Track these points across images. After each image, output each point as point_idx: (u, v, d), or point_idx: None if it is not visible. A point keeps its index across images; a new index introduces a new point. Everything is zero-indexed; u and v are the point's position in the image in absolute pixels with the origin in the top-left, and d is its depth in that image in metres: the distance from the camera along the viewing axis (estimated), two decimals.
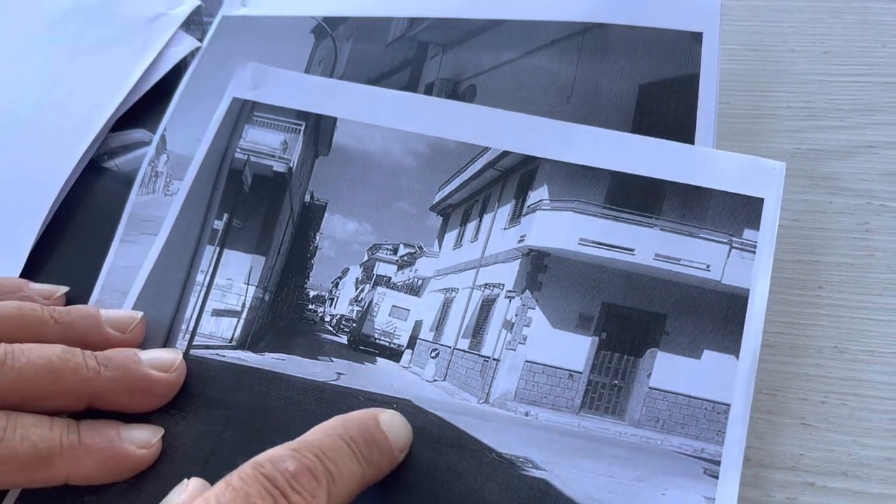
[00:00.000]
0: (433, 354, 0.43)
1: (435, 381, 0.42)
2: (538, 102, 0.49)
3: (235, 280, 0.45)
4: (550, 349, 0.41)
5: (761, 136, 0.51)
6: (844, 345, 0.44)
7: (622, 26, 0.49)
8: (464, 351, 0.43)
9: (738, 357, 0.39)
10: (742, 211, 0.42)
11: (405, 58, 0.53)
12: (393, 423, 0.37)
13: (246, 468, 0.31)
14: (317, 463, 0.32)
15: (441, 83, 0.51)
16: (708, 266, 0.41)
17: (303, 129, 0.48)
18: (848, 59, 0.54)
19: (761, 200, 0.42)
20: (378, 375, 0.42)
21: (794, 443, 0.41)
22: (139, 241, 0.47)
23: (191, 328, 0.44)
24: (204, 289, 0.45)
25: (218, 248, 0.46)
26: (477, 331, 0.43)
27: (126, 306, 0.44)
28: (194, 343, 0.43)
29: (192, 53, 0.55)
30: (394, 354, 0.44)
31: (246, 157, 0.48)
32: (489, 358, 0.42)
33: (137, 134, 0.52)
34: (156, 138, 0.51)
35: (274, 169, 0.48)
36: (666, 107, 0.47)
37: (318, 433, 0.35)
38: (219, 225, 0.46)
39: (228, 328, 0.44)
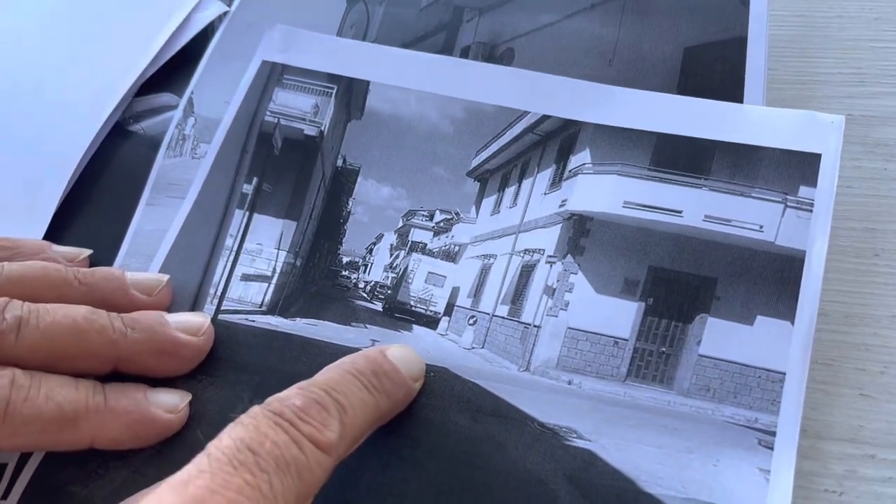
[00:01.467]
0: (471, 321, 0.42)
1: (473, 348, 0.41)
2: (579, 66, 0.47)
3: (266, 245, 0.44)
4: (594, 315, 0.39)
5: (811, 103, 0.49)
6: None
7: None
8: (503, 318, 0.41)
9: (793, 323, 0.37)
10: (797, 168, 0.40)
11: (440, 21, 0.51)
12: (402, 355, 0.36)
13: (254, 408, 0.30)
14: (324, 396, 0.31)
15: (477, 47, 0.50)
16: (761, 227, 0.39)
17: (334, 92, 0.47)
18: None
19: (818, 156, 0.40)
20: (414, 343, 0.41)
21: (852, 414, 0.39)
22: (165, 205, 0.46)
23: (219, 293, 0.42)
24: (233, 253, 0.43)
25: (247, 213, 0.44)
26: (516, 297, 0.41)
27: (152, 270, 0.42)
28: (223, 308, 0.42)
29: (220, 18, 0.53)
30: (430, 321, 0.42)
31: (276, 121, 0.46)
32: (529, 325, 0.40)
33: (164, 98, 0.51)
34: (183, 101, 0.49)
35: (305, 132, 0.47)
36: (711, 70, 0.45)
37: (325, 372, 0.34)
38: (248, 189, 0.45)
39: (258, 293, 0.43)
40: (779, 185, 0.39)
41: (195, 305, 0.42)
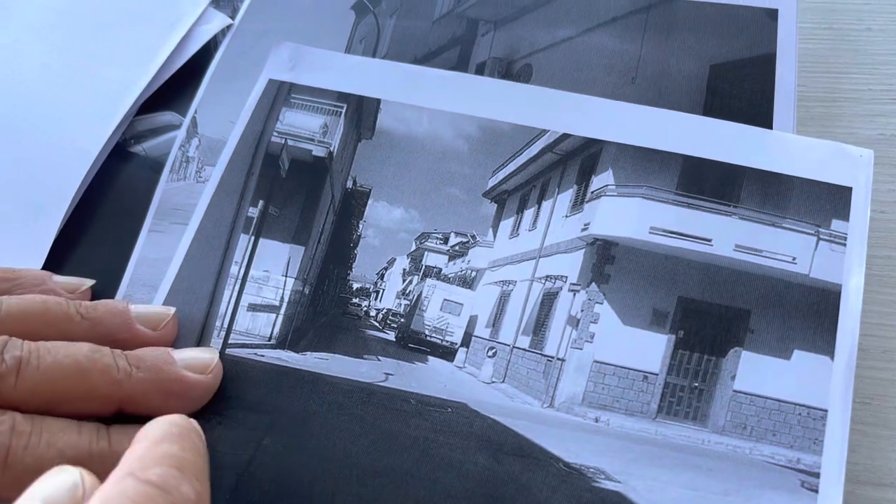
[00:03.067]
0: (490, 353, 0.40)
1: (493, 382, 0.39)
2: (600, 83, 0.45)
3: (273, 272, 0.42)
4: (621, 348, 0.38)
5: (841, 121, 0.47)
6: None
7: (690, 2, 0.46)
8: (524, 350, 0.39)
9: (832, 358, 0.35)
10: (828, 200, 0.38)
11: (454, 35, 0.49)
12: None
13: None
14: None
15: (493, 62, 0.48)
16: (794, 258, 0.37)
17: (344, 111, 0.45)
18: None
19: (849, 189, 0.38)
20: (430, 376, 0.39)
21: (892, 456, 0.37)
22: (169, 231, 0.43)
23: (226, 324, 0.40)
24: (239, 281, 0.41)
25: (253, 238, 0.42)
26: (538, 327, 0.40)
27: (156, 301, 0.40)
28: (230, 341, 0.40)
29: (223, 31, 0.51)
30: (447, 353, 0.40)
31: (283, 142, 0.44)
32: (553, 357, 0.38)
33: (166, 117, 0.49)
34: (186, 121, 0.47)
35: (313, 153, 0.45)
36: (739, 89, 0.44)
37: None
38: (254, 212, 0.43)
39: (267, 325, 0.41)
40: (810, 216, 0.38)
41: (202, 339, 0.40)
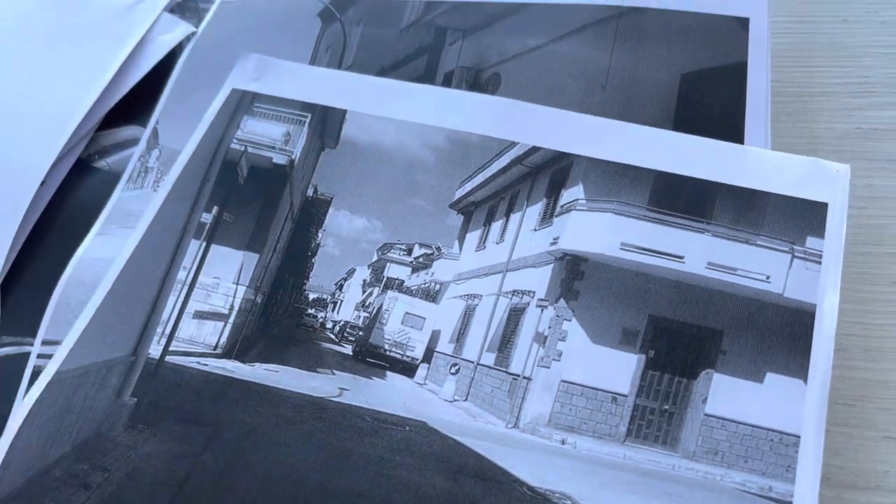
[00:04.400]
0: (453, 370, 0.38)
1: (455, 400, 0.37)
2: (569, 92, 0.44)
3: (223, 279, 0.39)
4: (590, 368, 0.36)
5: (817, 116, 0.46)
6: None
7: (661, 10, 0.45)
8: (489, 367, 0.37)
9: (806, 382, 0.34)
10: (803, 216, 0.37)
11: (421, 44, 0.48)
12: None
13: None
14: None
15: (461, 72, 0.47)
16: (768, 277, 0.36)
17: (308, 120, 0.43)
18: None
19: (825, 205, 0.37)
20: (388, 392, 0.37)
21: (877, 458, 0.35)
22: (117, 235, 0.41)
23: (167, 331, 0.37)
24: (186, 287, 0.39)
25: (204, 243, 0.40)
26: (504, 344, 0.38)
27: (94, 301, 0.38)
28: (171, 348, 0.37)
29: (189, 38, 0.49)
30: (407, 368, 0.38)
31: (243, 148, 0.42)
32: (518, 376, 0.36)
33: (130, 130, 0.47)
34: (147, 132, 0.45)
35: (274, 161, 0.43)
36: (711, 98, 0.43)
37: None
38: (207, 218, 0.41)
39: (213, 333, 0.38)
40: (785, 233, 0.37)
41: (140, 344, 0.37)
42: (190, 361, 0.37)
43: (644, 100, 0.43)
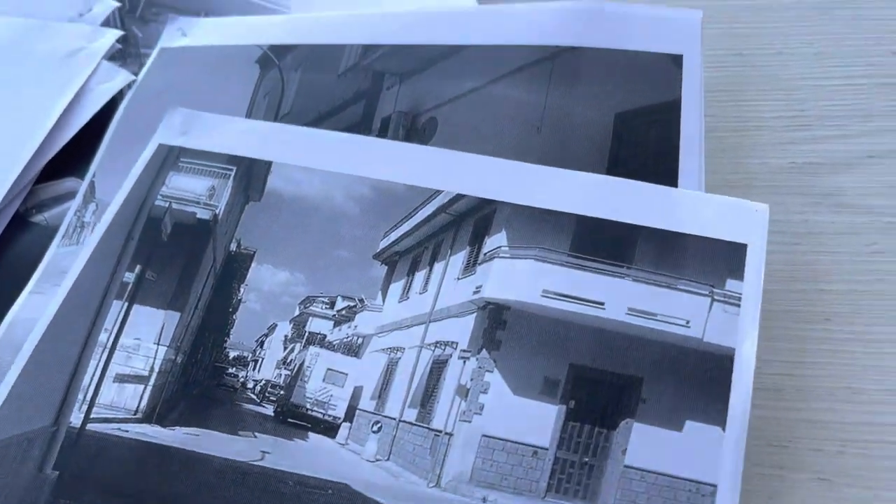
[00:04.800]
0: (375, 428, 0.37)
1: (377, 460, 0.36)
2: (505, 134, 0.44)
3: (144, 340, 0.39)
4: (511, 421, 0.36)
5: (752, 151, 0.46)
6: (859, 384, 0.38)
7: (595, 49, 0.45)
8: (411, 423, 0.37)
9: (724, 429, 0.34)
10: (723, 259, 0.37)
11: (359, 89, 0.48)
12: None
13: None
14: None
15: (398, 116, 0.46)
16: (688, 322, 0.36)
17: (233, 174, 0.43)
18: (841, 60, 0.49)
19: (744, 247, 0.37)
20: (310, 454, 0.36)
21: (810, 501, 0.35)
22: (48, 293, 0.41)
23: (88, 397, 0.37)
24: (107, 350, 0.38)
25: (126, 304, 0.39)
26: (426, 399, 0.37)
27: (17, 364, 0.37)
28: (92, 415, 0.37)
29: (130, 86, 0.49)
30: (328, 428, 0.38)
31: (167, 205, 0.42)
32: (441, 432, 0.36)
33: (68, 183, 0.47)
34: (83, 186, 0.45)
35: (197, 216, 0.42)
36: (645, 137, 0.43)
37: None
38: (130, 277, 0.40)
39: (133, 397, 0.38)
40: (705, 276, 0.37)
41: (61, 412, 0.37)
42: (111, 428, 0.36)
43: (579, 141, 0.43)
